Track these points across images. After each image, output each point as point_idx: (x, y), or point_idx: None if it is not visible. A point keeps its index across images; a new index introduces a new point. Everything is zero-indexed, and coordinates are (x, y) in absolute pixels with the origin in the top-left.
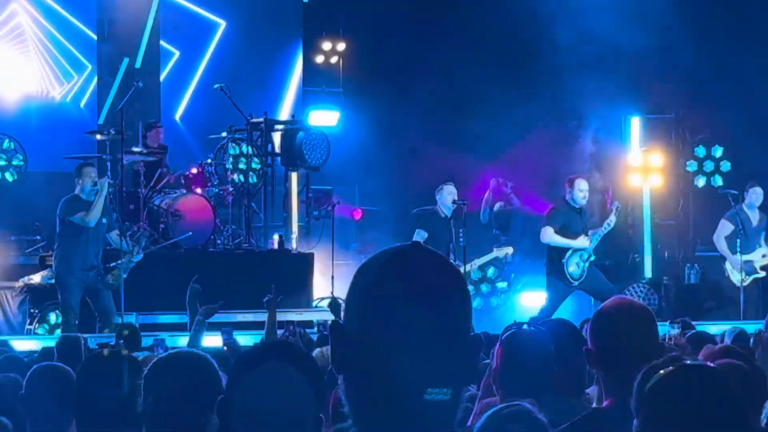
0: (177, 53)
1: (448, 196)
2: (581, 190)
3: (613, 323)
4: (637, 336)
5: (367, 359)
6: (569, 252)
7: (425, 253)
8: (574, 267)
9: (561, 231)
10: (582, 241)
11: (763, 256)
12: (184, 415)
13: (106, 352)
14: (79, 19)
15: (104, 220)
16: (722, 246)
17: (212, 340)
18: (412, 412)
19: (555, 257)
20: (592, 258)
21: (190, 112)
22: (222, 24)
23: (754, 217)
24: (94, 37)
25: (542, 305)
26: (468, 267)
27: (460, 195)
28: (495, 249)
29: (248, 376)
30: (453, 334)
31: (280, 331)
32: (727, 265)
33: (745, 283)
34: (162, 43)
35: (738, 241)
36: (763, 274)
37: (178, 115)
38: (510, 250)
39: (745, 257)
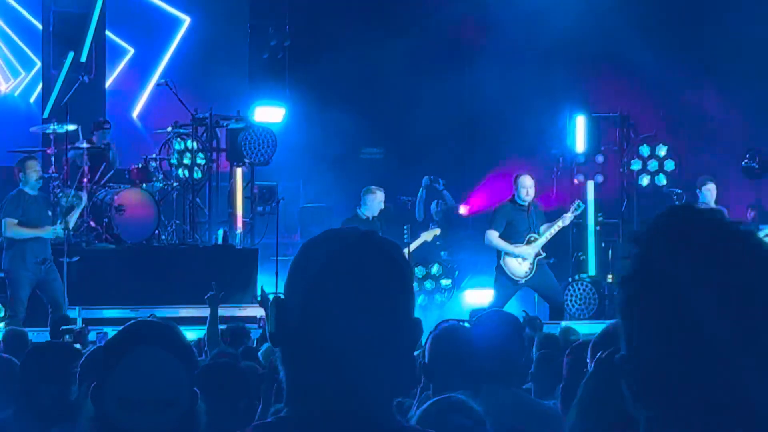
0: (132, 50)
1: (374, 202)
2: (524, 187)
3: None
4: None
5: (306, 344)
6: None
7: (373, 243)
8: (515, 264)
9: (506, 229)
10: (524, 250)
11: None
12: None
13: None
14: (31, 12)
15: (49, 213)
16: None
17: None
18: (347, 398)
19: (501, 254)
20: (542, 255)
21: (148, 109)
22: (186, 20)
23: None
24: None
25: (490, 302)
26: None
27: (405, 192)
28: (423, 233)
29: (118, 363)
30: (396, 323)
31: (222, 326)
32: None
33: None
34: (116, 39)
35: None
36: None
37: (135, 113)
38: (437, 231)
39: None
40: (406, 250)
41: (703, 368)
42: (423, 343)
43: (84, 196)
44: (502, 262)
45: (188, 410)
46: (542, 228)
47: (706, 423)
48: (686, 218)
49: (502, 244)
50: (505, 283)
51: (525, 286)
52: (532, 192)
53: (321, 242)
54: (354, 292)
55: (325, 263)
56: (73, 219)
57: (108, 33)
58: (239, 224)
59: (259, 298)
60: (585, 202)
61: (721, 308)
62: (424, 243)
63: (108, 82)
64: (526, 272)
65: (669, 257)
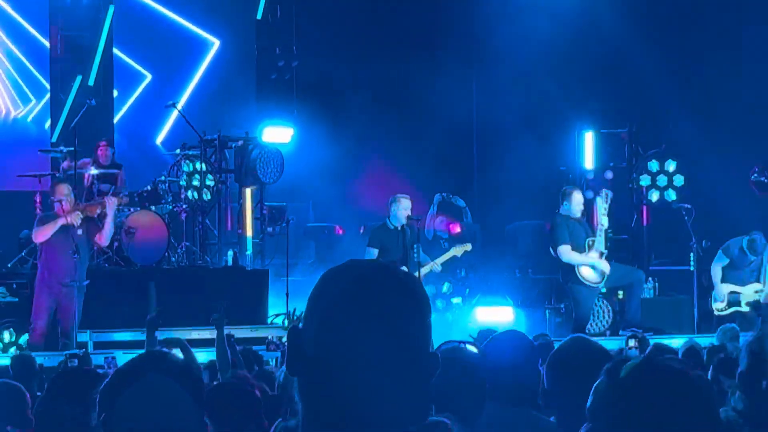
0: (149, 76)
1: (402, 210)
2: (578, 203)
3: (571, 366)
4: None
5: (322, 374)
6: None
7: (390, 274)
8: (589, 272)
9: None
10: (596, 258)
11: (756, 291)
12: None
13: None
14: (44, 36)
15: (79, 231)
16: (714, 275)
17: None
18: (362, 428)
19: (569, 267)
20: (605, 253)
21: (173, 135)
22: (215, 43)
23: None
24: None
25: (575, 315)
26: (429, 267)
27: (413, 211)
28: (453, 248)
29: (126, 391)
30: (411, 355)
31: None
32: (713, 293)
33: (723, 312)
34: (133, 64)
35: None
36: (746, 309)
37: (159, 140)
38: (468, 246)
39: (734, 288)
40: (429, 266)
41: None
42: None
43: (113, 200)
44: (577, 274)
45: None
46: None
47: None
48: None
49: (577, 258)
50: (585, 292)
51: (604, 288)
52: (582, 207)
53: (339, 273)
54: (370, 324)
55: (341, 294)
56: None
57: (126, 58)
58: (249, 246)
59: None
60: (594, 220)
61: None
62: (453, 258)
63: (125, 107)
64: (600, 277)
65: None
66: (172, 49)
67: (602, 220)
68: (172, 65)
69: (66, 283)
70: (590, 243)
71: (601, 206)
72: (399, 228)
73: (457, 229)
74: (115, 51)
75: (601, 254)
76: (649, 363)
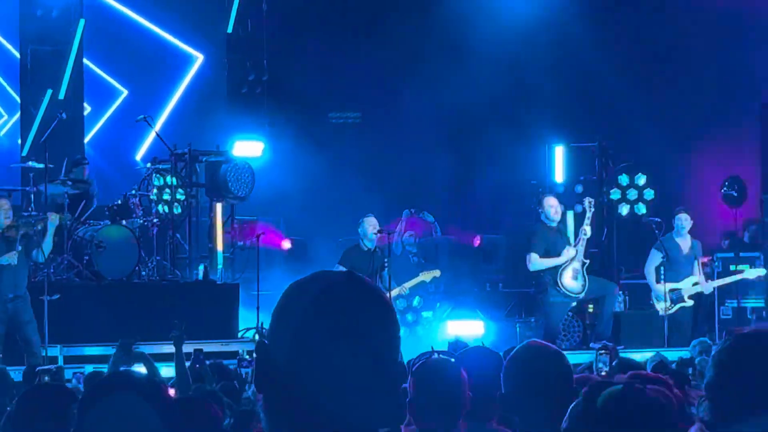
0: (126, 91)
1: (369, 227)
2: (552, 206)
3: (527, 370)
4: (551, 380)
5: (291, 388)
6: (560, 269)
7: (358, 285)
8: (571, 282)
9: (545, 254)
10: (568, 253)
11: (694, 284)
12: None
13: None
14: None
15: (19, 247)
16: (650, 276)
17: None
18: None
19: (548, 279)
20: (586, 263)
21: (153, 151)
22: (199, 58)
23: (684, 244)
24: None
25: (545, 328)
26: (397, 291)
27: (383, 226)
28: (422, 273)
29: (95, 408)
30: (381, 365)
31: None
32: (653, 294)
33: (670, 311)
34: (110, 80)
35: (662, 269)
36: (690, 303)
37: (139, 156)
38: (437, 273)
39: (673, 285)
40: (397, 290)
41: None
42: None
43: (55, 216)
44: (558, 282)
45: None
46: (575, 241)
47: None
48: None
49: (547, 262)
50: (560, 303)
51: (582, 300)
52: (559, 210)
53: (306, 285)
54: (340, 336)
55: (310, 307)
56: (47, 242)
57: (103, 74)
58: (219, 260)
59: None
60: (565, 230)
61: None
62: (421, 282)
63: (101, 122)
64: (582, 287)
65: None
66: (154, 63)
67: (585, 229)
68: (152, 80)
69: (8, 298)
70: (568, 252)
71: (586, 215)
72: (372, 250)
73: (478, 242)
74: (92, 67)
75: (583, 264)
76: (625, 394)
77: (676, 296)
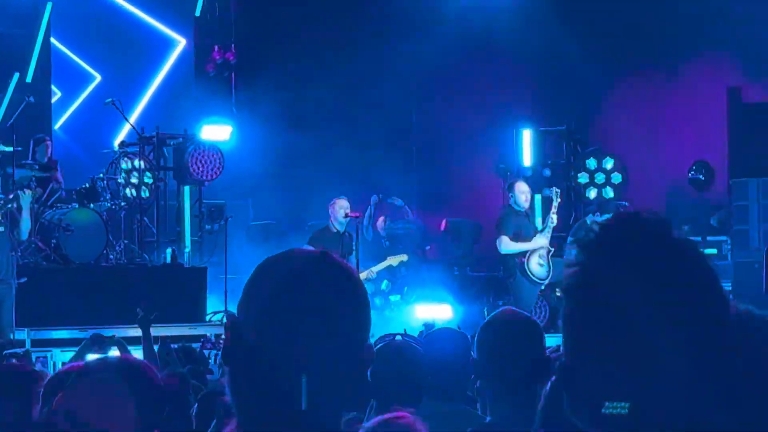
0: (99, 77)
1: (339, 210)
2: (522, 192)
3: (499, 335)
4: (523, 349)
5: (259, 363)
6: (527, 254)
7: (330, 265)
8: (537, 267)
9: (514, 237)
10: (539, 241)
11: None
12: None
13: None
14: None
15: (1, 228)
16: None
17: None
18: (296, 420)
19: (515, 262)
20: (551, 251)
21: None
22: (181, 42)
23: None
24: None
25: (520, 306)
26: (365, 275)
27: (353, 209)
28: (389, 257)
29: (74, 388)
30: (347, 347)
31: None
32: None
33: None
34: (84, 65)
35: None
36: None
37: (117, 141)
38: (404, 257)
39: None
40: (367, 272)
41: (639, 383)
42: None
43: (27, 192)
44: (526, 267)
45: None
46: (542, 228)
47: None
48: (630, 229)
49: (518, 246)
50: (528, 288)
51: (547, 288)
52: (529, 197)
53: (278, 262)
54: (309, 315)
55: (281, 283)
56: (24, 219)
57: (76, 58)
58: (187, 244)
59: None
60: (532, 215)
61: (659, 321)
62: (389, 266)
63: (73, 107)
64: (548, 272)
65: (611, 269)
66: (132, 48)
67: (552, 218)
68: (129, 65)
69: None
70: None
71: (553, 203)
72: (342, 233)
73: (444, 226)
74: (66, 51)
75: (549, 251)
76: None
77: None
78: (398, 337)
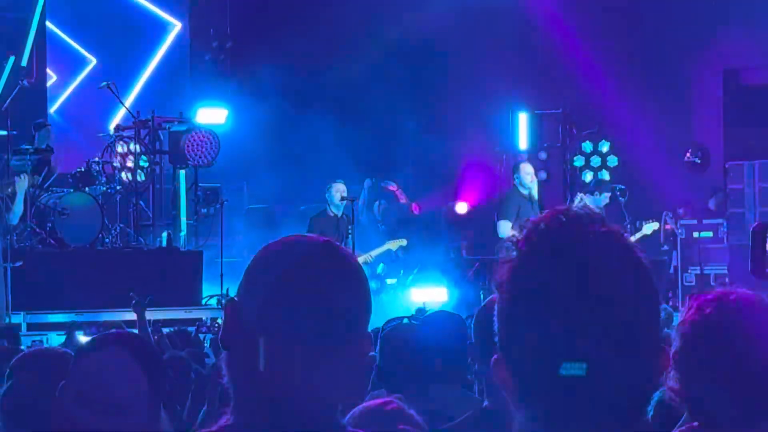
0: (94, 60)
1: (336, 193)
2: (528, 173)
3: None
4: None
5: (258, 348)
6: None
7: (332, 253)
8: None
9: (516, 220)
10: None
11: None
12: (36, 405)
13: None
14: None
15: None
16: None
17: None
18: (293, 406)
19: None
20: None
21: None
22: (177, 26)
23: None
24: None
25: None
26: (362, 258)
27: (350, 193)
28: (388, 242)
29: (84, 361)
30: (346, 335)
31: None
32: None
33: None
34: (80, 49)
35: None
36: None
37: (113, 125)
38: (404, 242)
39: None
40: (366, 256)
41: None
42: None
43: (24, 179)
44: None
45: (145, 425)
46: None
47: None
48: (557, 222)
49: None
50: None
51: None
52: (534, 178)
53: (282, 248)
54: (310, 302)
55: (285, 270)
56: (17, 205)
57: (72, 42)
58: (183, 227)
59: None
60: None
61: (585, 315)
62: (387, 251)
63: (68, 91)
64: None
65: (538, 261)
66: (128, 31)
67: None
68: (125, 48)
69: None
70: None
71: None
72: (339, 215)
73: (417, 209)
74: (61, 34)
75: None
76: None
77: None
78: (405, 321)
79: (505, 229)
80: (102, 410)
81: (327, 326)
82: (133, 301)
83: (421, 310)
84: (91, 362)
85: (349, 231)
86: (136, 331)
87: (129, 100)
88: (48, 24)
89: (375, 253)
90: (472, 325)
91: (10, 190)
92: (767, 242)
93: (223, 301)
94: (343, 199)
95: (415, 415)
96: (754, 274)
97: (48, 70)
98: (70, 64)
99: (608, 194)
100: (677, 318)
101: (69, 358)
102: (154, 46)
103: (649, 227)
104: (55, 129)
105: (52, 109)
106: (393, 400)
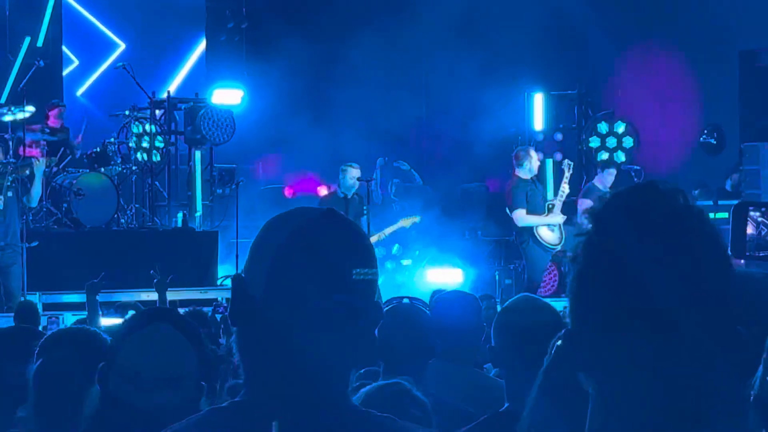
0: (123, 45)
1: (350, 178)
2: (531, 158)
3: (517, 322)
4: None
5: (266, 322)
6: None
7: (337, 222)
8: (548, 233)
9: (530, 210)
10: (555, 218)
11: None
12: (65, 385)
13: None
14: None
15: (10, 194)
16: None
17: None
18: (303, 381)
19: (527, 230)
20: (564, 218)
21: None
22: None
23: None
24: None
25: (527, 275)
26: (376, 237)
27: (364, 174)
28: (401, 219)
29: (130, 338)
30: (354, 306)
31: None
32: None
33: None
34: (108, 32)
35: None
36: None
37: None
38: (417, 218)
39: None
40: (376, 236)
41: (650, 343)
42: None
43: (41, 160)
44: (535, 234)
45: (192, 399)
46: (555, 201)
47: (651, 397)
48: (642, 198)
49: (535, 220)
50: (540, 254)
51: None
52: (537, 163)
53: (283, 220)
54: (316, 273)
55: (287, 241)
56: (36, 186)
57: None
58: (198, 208)
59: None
60: (543, 180)
61: (670, 287)
62: (401, 228)
63: (96, 74)
64: (559, 238)
65: (621, 236)
66: (152, 13)
67: (564, 189)
68: (150, 29)
69: (0, 246)
70: (550, 206)
71: (565, 175)
72: (348, 197)
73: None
74: (91, 18)
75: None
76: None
77: None
78: (405, 300)
79: (523, 218)
80: (152, 386)
81: (333, 295)
82: (155, 280)
83: (437, 292)
84: (139, 339)
85: (365, 211)
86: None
87: (145, 80)
88: (79, 8)
89: (388, 230)
90: (492, 328)
91: (27, 172)
92: (748, 221)
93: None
94: (359, 180)
95: (420, 396)
96: (733, 254)
97: (70, 54)
98: (100, 47)
99: (612, 171)
100: None
101: (100, 337)
102: (170, 28)
103: None
104: (82, 111)
105: (79, 92)
106: (400, 381)
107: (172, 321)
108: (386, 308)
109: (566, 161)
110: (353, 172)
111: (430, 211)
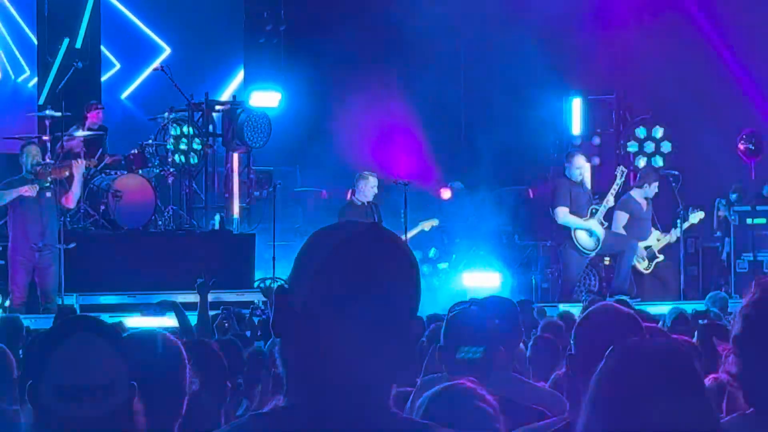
0: (168, 50)
1: (367, 188)
2: (578, 167)
3: (599, 332)
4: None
5: (308, 334)
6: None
7: (380, 236)
8: (585, 238)
9: (572, 210)
10: (593, 224)
11: (658, 239)
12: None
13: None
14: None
15: (48, 195)
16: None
17: (154, 321)
18: (344, 391)
19: (564, 234)
20: (605, 224)
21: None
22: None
23: (644, 202)
24: None
25: (563, 279)
26: None
27: (399, 176)
28: (421, 222)
29: (54, 352)
30: (396, 320)
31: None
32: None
33: (648, 270)
34: (154, 36)
35: (635, 228)
36: (662, 257)
37: None
38: (436, 221)
39: (643, 243)
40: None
41: None
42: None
43: (81, 162)
44: (573, 238)
45: (125, 402)
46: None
47: None
48: None
49: (574, 220)
50: (576, 257)
51: (596, 257)
52: (583, 172)
53: (329, 233)
54: (360, 284)
55: (332, 254)
56: (74, 188)
57: (146, 29)
58: (236, 209)
59: (263, 289)
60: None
61: None
62: (421, 232)
63: (141, 78)
64: (596, 244)
65: None
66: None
67: (610, 198)
68: (190, 31)
69: (38, 246)
70: (593, 211)
71: (616, 182)
72: (366, 204)
73: (447, 194)
74: (138, 23)
75: (601, 224)
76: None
77: (649, 254)
78: (471, 306)
79: (564, 216)
80: (84, 396)
81: (375, 309)
82: (198, 281)
83: (474, 299)
84: (63, 352)
85: (380, 218)
86: (195, 313)
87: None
88: (123, 10)
89: (410, 234)
90: (572, 337)
91: (67, 173)
92: None
93: (262, 286)
94: (376, 196)
95: (487, 395)
96: None
97: (111, 57)
98: (145, 51)
99: (656, 183)
100: (732, 305)
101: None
102: (209, 30)
103: (695, 216)
104: (125, 114)
105: (124, 95)
106: (466, 381)
107: (92, 329)
108: (453, 312)
109: (620, 168)
110: (372, 181)
111: (467, 214)
